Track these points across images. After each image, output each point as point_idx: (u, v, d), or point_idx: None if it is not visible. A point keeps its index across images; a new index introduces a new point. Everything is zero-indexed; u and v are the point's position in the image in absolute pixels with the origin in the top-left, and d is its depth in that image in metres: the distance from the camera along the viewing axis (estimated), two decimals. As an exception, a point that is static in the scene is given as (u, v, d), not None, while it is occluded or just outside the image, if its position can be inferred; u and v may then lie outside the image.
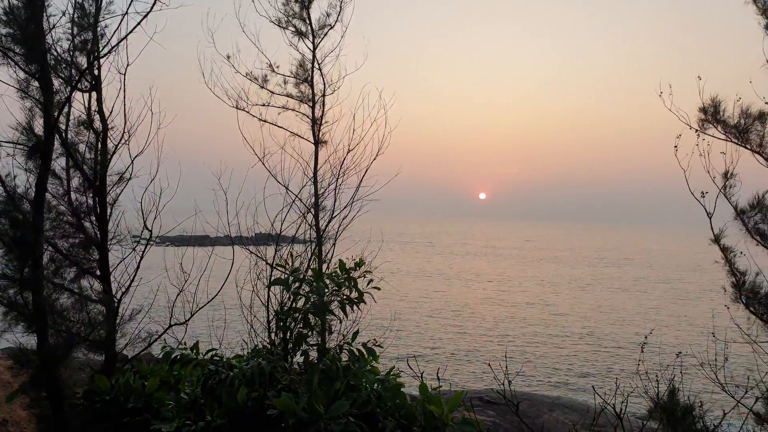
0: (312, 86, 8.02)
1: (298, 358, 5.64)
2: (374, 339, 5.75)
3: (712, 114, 6.43)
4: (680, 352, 5.58)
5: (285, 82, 8.04)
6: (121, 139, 7.16)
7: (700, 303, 39.65)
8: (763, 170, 6.30)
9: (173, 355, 5.75)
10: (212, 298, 7.40)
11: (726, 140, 6.38)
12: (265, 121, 7.89)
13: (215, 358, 5.57)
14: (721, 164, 6.31)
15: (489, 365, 5.01)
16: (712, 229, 6.38)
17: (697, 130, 6.43)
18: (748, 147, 6.33)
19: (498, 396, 9.21)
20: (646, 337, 6.29)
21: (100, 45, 6.97)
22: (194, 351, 5.86)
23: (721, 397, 5.80)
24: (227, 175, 6.94)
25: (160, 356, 5.89)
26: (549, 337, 28.06)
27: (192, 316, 7.24)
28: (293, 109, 8.07)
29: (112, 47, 6.80)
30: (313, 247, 7.60)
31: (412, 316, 31.37)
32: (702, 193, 6.33)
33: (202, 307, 7.28)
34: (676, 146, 6.32)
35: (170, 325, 7.24)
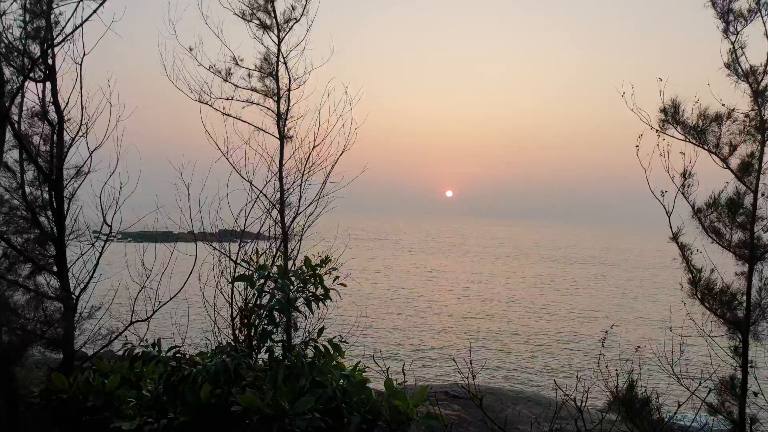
0: (277, 80, 7.92)
1: (263, 355, 5.59)
2: (340, 335, 5.73)
3: (672, 115, 6.61)
4: (639, 347, 5.74)
5: (249, 76, 7.92)
6: (78, 132, 6.97)
7: (659, 299, 40.80)
8: (719, 170, 6.52)
9: (135, 353, 5.62)
10: (175, 295, 7.27)
11: (685, 141, 6.57)
12: (228, 115, 7.76)
13: (178, 355, 5.46)
14: (680, 164, 6.52)
15: (454, 360, 5.05)
16: (671, 227, 6.58)
17: (657, 131, 6.61)
18: (706, 147, 6.54)
19: (463, 390, 9.30)
20: (606, 332, 6.45)
21: (54, 33, 6.76)
22: (156, 348, 5.74)
23: (677, 388, 5.98)
24: (190, 169, 6.81)
25: (121, 354, 5.76)
26: (513, 333, 28.50)
27: (154, 313, 7.11)
28: (258, 104, 7.96)
29: (67, 36, 6.61)
30: (278, 244, 7.52)
31: (379, 313, 31.44)
32: (662, 192, 6.52)
33: (164, 304, 7.15)
34: (637, 146, 6.49)
35: (131, 322, 7.10)
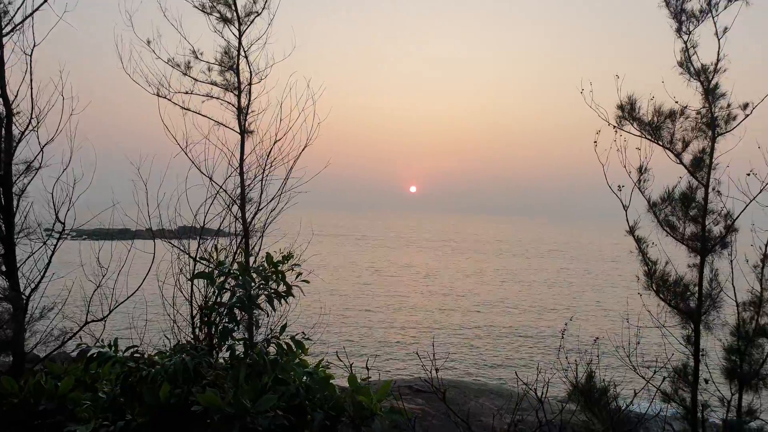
0: (238, 74, 7.78)
1: (224, 354, 5.50)
2: (303, 332, 5.68)
3: (628, 111, 6.78)
4: (597, 338, 5.87)
5: (209, 70, 7.76)
6: (28, 125, 6.72)
7: (616, 291, 41.92)
8: (673, 165, 6.72)
9: (90, 353, 5.44)
10: (132, 294, 7.08)
11: (641, 136, 6.75)
12: (188, 109, 7.59)
13: (136, 355, 5.32)
14: (636, 159, 6.70)
15: (417, 354, 5.07)
16: (627, 221, 6.76)
17: (615, 127, 6.77)
18: (661, 143, 6.73)
19: (426, 384, 9.36)
20: (566, 324, 6.58)
21: (2, 23, 6.49)
22: (113, 348, 5.58)
23: (634, 377, 6.15)
24: (147, 165, 6.63)
25: (76, 355, 5.57)
26: (476, 327, 28.86)
27: (110, 312, 6.91)
28: (218, 98, 7.81)
29: (16, 25, 6.37)
30: (239, 241, 7.40)
31: (342, 309, 31.39)
32: (619, 186, 6.69)
33: (121, 303, 6.96)
34: (595, 142, 6.63)
35: (86, 322, 6.89)
